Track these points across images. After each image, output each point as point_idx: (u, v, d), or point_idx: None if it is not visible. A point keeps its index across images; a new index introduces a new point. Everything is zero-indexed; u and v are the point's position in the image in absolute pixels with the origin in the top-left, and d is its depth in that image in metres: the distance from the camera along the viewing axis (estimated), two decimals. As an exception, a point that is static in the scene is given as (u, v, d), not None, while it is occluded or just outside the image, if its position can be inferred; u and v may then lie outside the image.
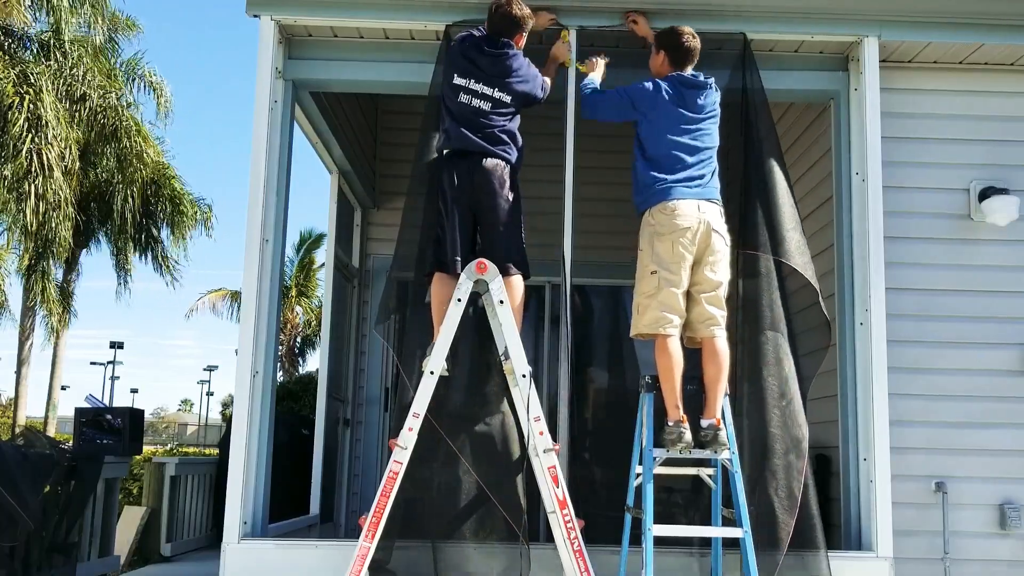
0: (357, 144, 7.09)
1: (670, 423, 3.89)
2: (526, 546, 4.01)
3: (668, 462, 3.93)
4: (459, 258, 4.05)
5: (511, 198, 4.16)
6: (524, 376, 3.95)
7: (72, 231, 17.59)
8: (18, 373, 20.21)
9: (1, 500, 5.25)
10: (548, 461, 3.87)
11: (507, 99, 4.18)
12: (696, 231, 3.97)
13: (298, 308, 29.71)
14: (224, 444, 8.23)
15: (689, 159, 4.09)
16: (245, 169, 4.66)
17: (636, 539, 3.88)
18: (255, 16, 4.75)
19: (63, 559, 6.00)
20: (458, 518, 4.15)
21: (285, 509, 5.90)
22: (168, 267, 20.26)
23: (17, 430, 17.66)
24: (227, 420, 22.21)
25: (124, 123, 17.24)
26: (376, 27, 4.85)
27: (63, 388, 26.67)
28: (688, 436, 3.84)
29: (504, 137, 4.15)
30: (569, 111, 4.64)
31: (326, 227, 7.25)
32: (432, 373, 3.96)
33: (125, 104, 17.80)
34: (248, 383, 4.49)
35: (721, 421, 3.90)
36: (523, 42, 4.34)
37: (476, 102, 4.14)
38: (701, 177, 4.08)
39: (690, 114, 4.16)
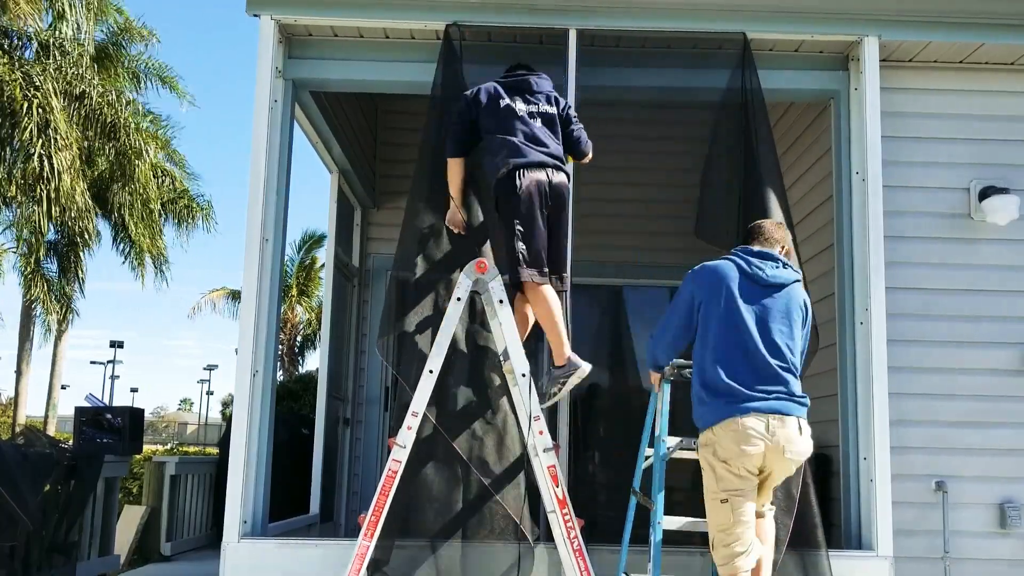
0: (357, 144, 7.09)
1: None
2: (528, 545, 4.02)
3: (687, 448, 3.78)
4: (547, 269, 4.04)
5: (570, 212, 4.20)
6: (524, 375, 3.94)
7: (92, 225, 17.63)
8: (18, 372, 20.23)
9: (1, 500, 5.25)
10: (548, 460, 3.87)
11: (552, 110, 4.20)
12: (762, 454, 3.37)
13: (298, 307, 29.70)
14: (224, 443, 8.24)
15: (761, 357, 3.45)
16: (245, 169, 4.67)
17: (636, 538, 3.87)
18: (255, 15, 4.75)
19: (63, 558, 6.01)
20: (458, 517, 4.14)
21: (285, 508, 5.90)
22: (140, 261, 19.79)
23: (17, 429, 17.68)
24: (227, 419, 22.19)
25: (123, 120, 17.19)
26: (376, 26, 4.85)
27: (63, 387, 26.70)
28: None
29: (562, 154, 4.17)
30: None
31: (326, 227, 7.25)
32: (431, 372, 3.96)
33: (125, 102, 17.78)
34: (248, 382, 4.49)
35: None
36: None
37: (529, 118, 4.13)
38: (775, 378, 3.42)
39: (763, 289, 3.55)
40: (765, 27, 4.79)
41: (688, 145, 7.05)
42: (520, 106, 4.15)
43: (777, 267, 3.58)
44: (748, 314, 3.48)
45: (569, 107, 4.35)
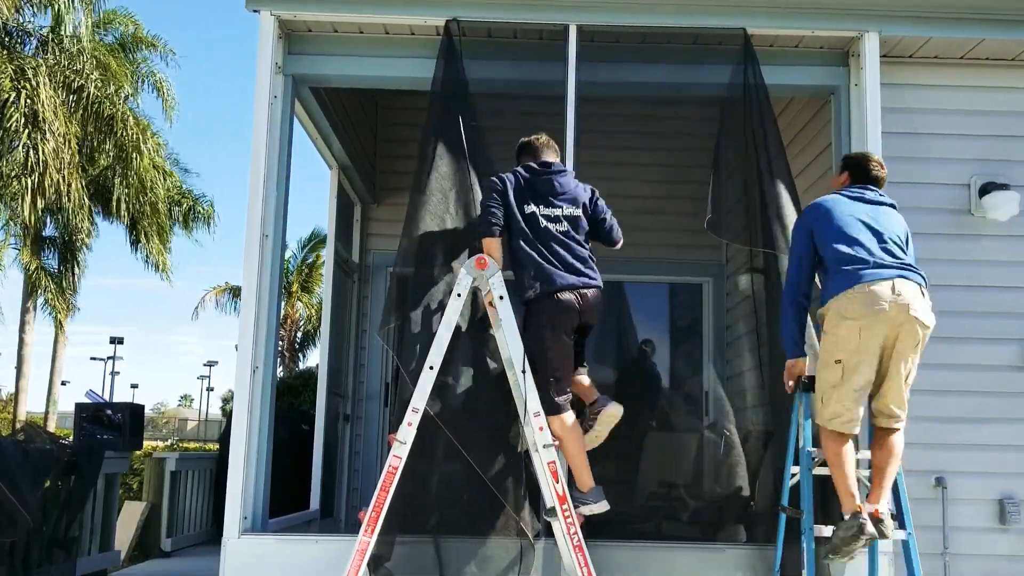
0: (357, 139, 7.09)
1: (846, 515, 3.56)
2: (529, 541, 4.02)
3: (823, 463, 3.82)
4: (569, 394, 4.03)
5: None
6: (523, 372, 3.94)
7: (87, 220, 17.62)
8: (18, 368, 20.22)
9: (1, 496, 5.25)
10: (548, 456, 3.87)
11: (576, 212, 4.10)
12: (889, 316, 3.58)
13: (299, 303, 29.69)
14: (224, 439, 8.24)
15: (877, 242, 3.75)
16: (245, 167, 4.66)
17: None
18: (255, 11, 4.75)
19: (63, 554, 6.01)
20: (459, 513, 4.15)
21: (285, 505, 5.90)
22: (161, 257, 19.79)
23: (17, 425, 17.68)
24: (227, 415, 22.20)
25: (120, 113, 17.18)
26: (376, 22, 4.85)
27: (63, 383, 26.75)
28: (870, 527, 3.49)
29: (592, 263, 4.10)
30: (569, 108, 4.64)
31: (326, 224, 7.25)
32: (432, 368, 3.96)
33: (123, 97, 17.77)
34: (248, 378, 4.49)
35: (880, 512, 3.62)
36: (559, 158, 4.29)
37: (554, 226, 4.03)
38: (893, 255, 3.72)
39: (868, 204, 3.89)
40: (765, 22, 4.78)
41: (689, 141, 7.06)
42: (544, 212, 4.03)
43: (879, 193, 3.97)
44: (862, 213, 3.83)
45: (598, 199, 4.23)
